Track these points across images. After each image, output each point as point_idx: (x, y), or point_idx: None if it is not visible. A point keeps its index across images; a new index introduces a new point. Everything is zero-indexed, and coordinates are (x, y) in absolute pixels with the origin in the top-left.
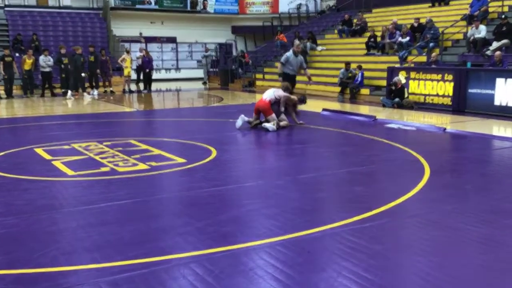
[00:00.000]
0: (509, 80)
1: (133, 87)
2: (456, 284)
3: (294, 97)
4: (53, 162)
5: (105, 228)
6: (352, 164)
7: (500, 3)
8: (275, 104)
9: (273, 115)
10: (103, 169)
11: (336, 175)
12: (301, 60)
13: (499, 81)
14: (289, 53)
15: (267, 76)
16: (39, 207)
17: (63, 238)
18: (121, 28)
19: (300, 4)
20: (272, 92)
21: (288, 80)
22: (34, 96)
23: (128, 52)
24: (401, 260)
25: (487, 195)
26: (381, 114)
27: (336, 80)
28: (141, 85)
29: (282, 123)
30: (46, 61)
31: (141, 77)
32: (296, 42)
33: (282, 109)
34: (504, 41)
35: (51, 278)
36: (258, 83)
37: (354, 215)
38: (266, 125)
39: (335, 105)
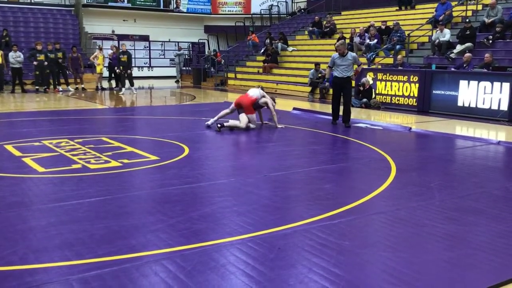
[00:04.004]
0: (471, 82)
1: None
2: (422, 279)
3: (269, 100)
4: (23, 159)
5: (75, 225)
6: (322, 162)
7: (464, 8)
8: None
9: (253, 115)
10: (75, 166)
11: (306, 173)
12: (353, 58)
13: (462, 83)
14: (335, 54)
15: (239, 75)
16: (8, 204)
17: (32, 235)
18: (93, 25)
19: (271, 5)
20: (258, 92)
21: (336, 82)
22: (4, 92)
23: (100, 49)
24: (369, 256)
25: (451, 193)
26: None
27: (306, 80)
28: (113, 83)
29: (233, 123)
30: (15, 57)
31: (113, 74)
32: (340, 41)
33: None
34: (468, 44)
35: (20, 276)
36: (230, 82)
37: (323, 212)
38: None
39: (305, 105)
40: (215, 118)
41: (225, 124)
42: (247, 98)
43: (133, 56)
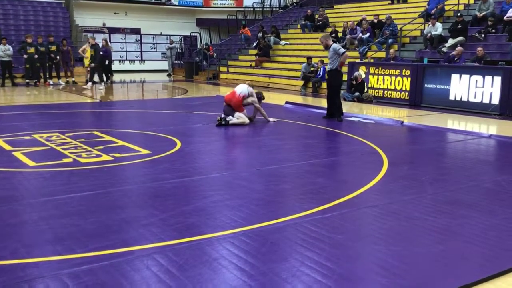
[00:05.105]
0: (463, 75)
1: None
2: (414, 272)
3: (255, 100)
4: (14, 153)
5: (67, 220)
6: (314, 156)
7: (456, 2)
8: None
9: (245, 111)
10: (65, 160)
11: (299, 166)
12: (333, 49)
13: (454, 77)
14: None
15: (231, 69)
16: None
17: (24, 230)
18: (84, 18)
19: None
20: (246, 88)
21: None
22: None
23: (89, 42)
24: (361, 249)
25: (443, 186)
26: (342, 107)
27: (298, 74)
28: (104, 77)
29: (238, 120)
30: (4, 50)
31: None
32: (323, 34)
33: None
34: (459, 38)
35: (11, 271)
36: (222, 75)
37: (316, 206)
38: (231, 119)
39: (298, 98)
40: None
41: (230, 122)
42: (235, 97)
43: (124, 49)
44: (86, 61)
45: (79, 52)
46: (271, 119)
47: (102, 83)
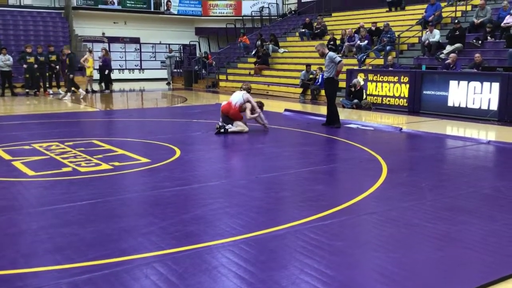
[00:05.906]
0: (461, 82)
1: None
2: (414, 279)
3: (253, 104)
4: (13, 163)
5: (66, 229)
6: (313, 163)
7: (453, 9)
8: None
9: (242, 119)
10: (65, 169)
11: (298, 174)
12: (329, 58)
13: (452, 83)
14: None
15: (230, 77)
16: None
17: (23, 240)
18: (84, 28)
19: (262, 7)
20: (241, 96)
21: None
22: None
23: (90, 52)
24: (361, 256)
25: (442, 192)
26: (341, 114)
27: (297, 81)
28: (103, 85)
29: (237, 128)
30: (4, 60)
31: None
32: (319, 43)
33: (248, 114)
34: (457, 45)
35: (9, 281)
36: (221, 83)
37: (315, 213)
38: (230, 127)
39: (297, 106)
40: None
41: (229, 130)
42: (232, 108)
43: (123, 59)
44: (88, 71)
45: (81, 61)
46: (266, 125)
47: (68, 94)
